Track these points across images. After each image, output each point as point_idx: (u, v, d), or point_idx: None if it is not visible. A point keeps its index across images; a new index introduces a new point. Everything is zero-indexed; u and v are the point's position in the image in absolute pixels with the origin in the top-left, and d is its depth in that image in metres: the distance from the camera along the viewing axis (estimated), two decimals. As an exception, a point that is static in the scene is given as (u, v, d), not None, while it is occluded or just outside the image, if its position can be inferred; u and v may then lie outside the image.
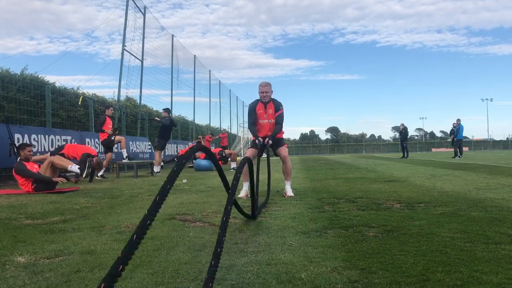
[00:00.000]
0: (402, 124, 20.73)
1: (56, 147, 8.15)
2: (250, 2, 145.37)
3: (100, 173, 8.92)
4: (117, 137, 9.60)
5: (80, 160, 7.40)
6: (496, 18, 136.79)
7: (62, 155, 7.26)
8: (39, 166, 6.12)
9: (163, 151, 11.35)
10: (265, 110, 5.00)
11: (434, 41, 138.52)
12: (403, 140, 20.34)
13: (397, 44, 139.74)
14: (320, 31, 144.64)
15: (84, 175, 6.31)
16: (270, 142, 4.90)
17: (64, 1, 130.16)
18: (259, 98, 5.04)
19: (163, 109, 11.29)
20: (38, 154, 7.87)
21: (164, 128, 10.76)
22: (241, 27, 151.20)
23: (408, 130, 21.24)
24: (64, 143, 8.75)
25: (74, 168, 6.36)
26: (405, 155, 19.77)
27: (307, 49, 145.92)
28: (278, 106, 5.00)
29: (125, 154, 9.85)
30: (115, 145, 9.90)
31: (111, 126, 9.49)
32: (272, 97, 5.08)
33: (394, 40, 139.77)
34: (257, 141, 4.88)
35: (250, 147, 5.17)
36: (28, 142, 7.26)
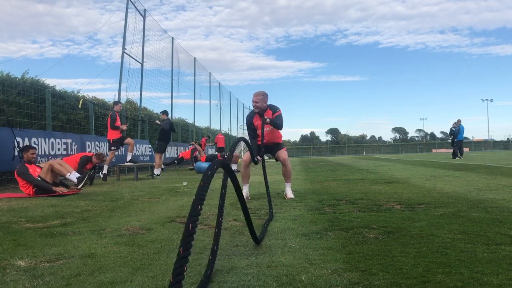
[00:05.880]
0: (459, 120, 19.04)
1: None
2: (254, 3, 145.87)
3: (104, 171, 8.90)
4: (127, 139, 9.56)
5: (79, 164, 7.39)
6: (499, 18, 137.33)
7: None
8: (40, 169, 6.11)
9: (163, 154, 11.35)
10: (263, 120, 4.92)
11: (436, 41, 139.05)
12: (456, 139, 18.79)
13: (400, 45, 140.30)
14: (323, 32, 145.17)
15: (80, 186, 6.25)
16: (268, 120, 4.77)
17: (67, 4, 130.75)
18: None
19: (161, 112, 11.28)
20: (38, 157, 7.87)
21: (164, 131, 10.78)
22: (244, 29, 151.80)
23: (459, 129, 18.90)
24: (64, 146, 8.76)
25: (73, 176, 6.28)
26: (458, 155, 18.32)
27: (310, 50, 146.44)
28: (275, 110, 4.90)
29: (129, 158, 9.82)
30: (122, 147, 9.79)
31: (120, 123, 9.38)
32: (269, 103, 4.99)
33: (396, 41, 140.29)
34: (256, 159, 4.55)
35: (249, 151, 5.15)
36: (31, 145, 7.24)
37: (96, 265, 2.06)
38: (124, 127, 9.27)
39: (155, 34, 15.64)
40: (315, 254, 2.17)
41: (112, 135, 9.13)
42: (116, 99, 12.62)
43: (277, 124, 4.88)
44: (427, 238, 2.46)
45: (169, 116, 17.87)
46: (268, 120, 4.77)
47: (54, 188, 5.85)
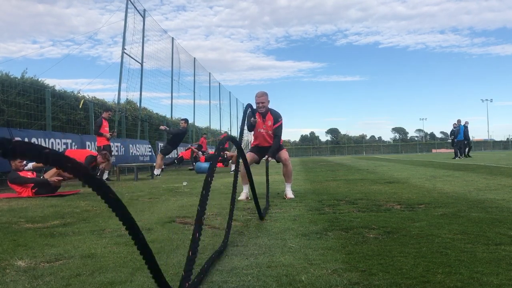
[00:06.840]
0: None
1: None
2: (254, 3, 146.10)
3: (105, 177, 8.86)
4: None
5: (86, 163, 7.39)
6: (499, 18, 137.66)
7: None
8: (32, 173, 6.09)
9: (165, 156, 11.33)
10: (264, 121, 4.95)
11: (437, 42, 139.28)
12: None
13: (400, 45, 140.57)
14: (323, 32, 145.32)
15: None
16: (270, 159, 4.85)
17: (68, 4, 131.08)
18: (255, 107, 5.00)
19: (181, 119, 11.20)
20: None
21: (175, 136, 10.74)
22: (244, 29, 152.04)
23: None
24: (64, 146, 8.76)
25: None
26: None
27: (310, 50, 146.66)
28: (277, 118, 4.94)
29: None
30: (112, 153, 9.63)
31: (108, 129, 9.31)
32: (271, 103, 5.02)
33: (396, 41, 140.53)
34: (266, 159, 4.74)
35: (249, 151, 5.15)
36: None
37: (96, 265, 2.06)
38: (108, 135, 9.17)
39: (155, 35, 15.66)
40: (315, 254, 2.17)
41: (101, 141, 9.00)
42: (116, 99, 12.62)
43: (277, 143, 4.90)
44: (427, 238, 2.46)
45: (170, 117, 17.91)
46: (270, 159, 4.81)
47: (50, 179, 5.89)
